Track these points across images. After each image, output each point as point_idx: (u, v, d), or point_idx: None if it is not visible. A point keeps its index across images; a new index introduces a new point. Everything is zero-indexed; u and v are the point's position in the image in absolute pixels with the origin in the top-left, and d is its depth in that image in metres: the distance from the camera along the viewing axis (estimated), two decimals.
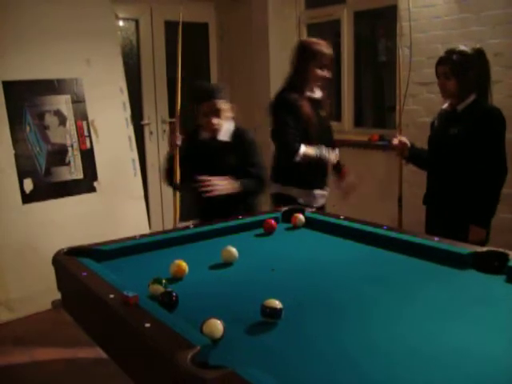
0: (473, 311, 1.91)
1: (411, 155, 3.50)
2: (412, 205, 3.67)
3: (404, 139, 3.48)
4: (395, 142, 3.51)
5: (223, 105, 3.15)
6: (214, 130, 3.17)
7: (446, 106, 3.31)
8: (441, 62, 3.19)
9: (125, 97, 5.11)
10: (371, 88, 5.76)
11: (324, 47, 3.50)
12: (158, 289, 2.01)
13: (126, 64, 5.31)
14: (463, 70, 3.11)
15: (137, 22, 5.88)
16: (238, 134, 3.28)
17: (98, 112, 4.86)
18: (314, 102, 3.53)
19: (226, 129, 3.26)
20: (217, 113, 3.14)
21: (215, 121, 3.12)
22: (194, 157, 3.32)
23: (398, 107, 4.54)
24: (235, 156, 3.22)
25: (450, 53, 3.16)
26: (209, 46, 6.38)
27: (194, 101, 3.18)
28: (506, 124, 3.11)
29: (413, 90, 4.23)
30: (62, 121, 4.72)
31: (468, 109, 3.14)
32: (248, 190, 3.19)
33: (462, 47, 3.18)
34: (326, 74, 3.52)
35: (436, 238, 2.56)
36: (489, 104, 3.16)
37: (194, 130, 3.37)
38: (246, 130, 3.33)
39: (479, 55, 3.15)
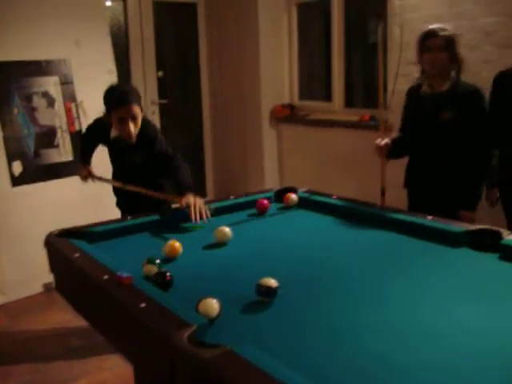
0: (470, 289, 1.92)
1: (392, 153, 3.41)
2: (394, 188, 3.65)
3: (386, 141, 3.38)
4: (381, 143, 3.38)
5: (138, 109, 3.00)
6: (130, 136, 3.02)
7: (424, 87, 3.26)
8: (431, 35, 3.13)
9: (114, 78, 5.05)
10: (361, 68, 5.74)
11: None
12: (152, 269, 2.00)
13: (114, 45, 5.25)
14: (453, 46, 3.10)
15: (125, 2, 5.80)
16: (142, 132, 3.09)
17: (87, 93, 4.81)
18: None
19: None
20: (133, 118, 2.97)
21: (132, 127, 2.97)
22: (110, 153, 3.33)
23: (389, 88, 4.55)
24: (142, 154, 3.11)
25: (438, 27, 3.15)
26: (197, 27, 6.32)
27: (108, 105, 3.01)
28: None
29: (404, 69, 4.21)
30: (51, 103, 4.67)
31: (453, 90, 3.12)
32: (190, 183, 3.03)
33: (442, 25, 3.18)
34: None
35: (430, 217, 2.56)
36: (469, 83, 3.14)
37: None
38: (148, 127, 3.15)
39: (458, 35, 3.15)
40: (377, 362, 1.45)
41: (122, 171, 3.26)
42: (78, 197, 4.61)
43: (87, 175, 3.54)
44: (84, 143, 3.60)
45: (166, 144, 3.14)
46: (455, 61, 3.11)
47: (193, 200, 2.75)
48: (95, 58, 4.92)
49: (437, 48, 3.10)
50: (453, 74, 3.13)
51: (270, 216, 2.89)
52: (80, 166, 3.60)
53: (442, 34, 3.10)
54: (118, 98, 2.95)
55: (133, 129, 2.97)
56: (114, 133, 3.12)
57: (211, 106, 6.51)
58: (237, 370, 1.33)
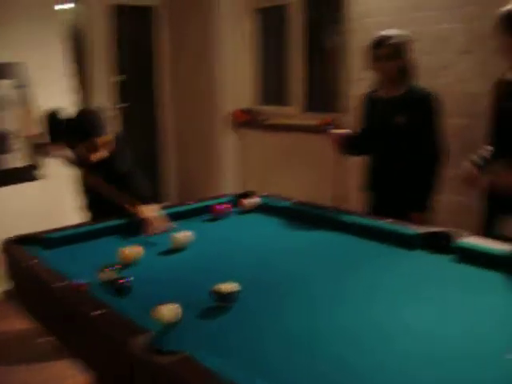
0: (423, 290, 1.96)
1: (348, 146, 3.42)
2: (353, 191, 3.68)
3: (338, 131, 3.40)
4: (337, 131, 3.41)
5: (102, 140, 2.95)
6: (89, 161, 2.98)
7: (380, 92, 3.28)
8: (380, 44, 3.14)
9: (71, 82, 4.99)
10: (320, 73, 5.78)
11: None
12: (109, 275, 1.98)
13: (73, 48, 5.18)
14: (403, 53, 3.13)
15: (81, 4, 5.73)
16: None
17: (44, 97, 4.73)
18: None
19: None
20: (96, 148, 2.94)
21: (94, 157, 2.95)
22: None
23: (347, 92, 4.59)
24: (101, 173, 3.05)
25: (386, 36, 3.14)
26: (158, 30, 6.29)
27: (72, 138, 2.96)
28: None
29: (362, 74, 4.25)
30: (6, 107, 4.58)
31: (407, 94, 3.16)
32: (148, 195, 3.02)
33: (393, 31, 3.19)
34: None
35: (387, 220, 2.60)
36: (423, 88, 3.19)
37: None
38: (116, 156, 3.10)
39: (410, 41, 3.18)
40: (333, 364, 1.46)
41: (89, 192, 3.21)
42: (34, 203, 4.54)
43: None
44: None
45: (126, 159, 3.10)
46: (406, 67, 3.14)
47: (151, 215, 2.73)
48: (52, 61, 4.85)
49: (385, 57, 3.12)
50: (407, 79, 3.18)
51: (228, 220, 2.90)
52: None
53: (390, 42, 3.11)
54: (82, 131, 2.91)
55: (97, 156, 2.95)
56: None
57: (172, 110, 6.47)
58: (194, 376, 1.33)
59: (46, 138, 3.15)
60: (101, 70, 5.91)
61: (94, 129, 2.91)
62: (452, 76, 3.97)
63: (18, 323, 3.94)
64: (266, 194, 3.19)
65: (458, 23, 3.93)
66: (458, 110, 3.80)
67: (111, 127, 3.06)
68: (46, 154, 3.48)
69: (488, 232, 2.61)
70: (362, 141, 3.39)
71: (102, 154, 2.97)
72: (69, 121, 3.02)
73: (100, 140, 2.92)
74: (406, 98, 3.14)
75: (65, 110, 3.15)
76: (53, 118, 3.06)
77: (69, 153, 3.16)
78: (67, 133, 3.00)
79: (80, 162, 3.07)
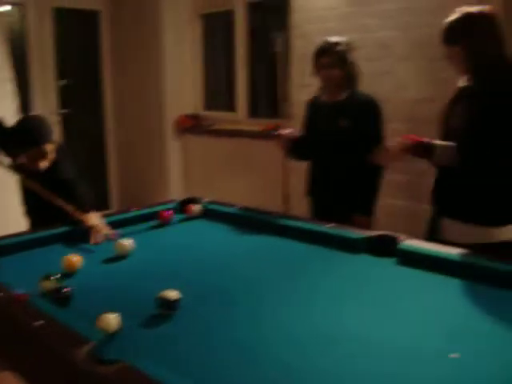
0: (367, 294, 2.00)
1: (293, 149, 3.45)
2: (297, 196, 3.70)
3: (286, 131, 3.43)
4: (284, 131, 3.43)
5: (48, 148, 2.89)
6: (37, 169, 2.90)
7: (323, 97, 3.33)
8: (324, 52, 3.17)
9: (11, 87, 4.89)
10: (265, 79, 5.82)
11: None
12: (50, 285, 1.95)
13: (12, 52, 5.07)
14: (347, 60, 3.17)
15: (22, 7, 5.61)
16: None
17: None
18: None
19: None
20: (42, 157, 2.88)
21: (40, 165, 2.88)
22: None
23: (292, 98, 4.64)
24: (43, 181, 2.96)
25: (330, 43, 3.18)
26: (101, 35, 6.22)
27: (16, 145, 2.87)
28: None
29: (306, 80, 4.29)
30: None
31: (349, 99, 3.20)
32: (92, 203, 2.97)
33: (336, 38, 3.22)
34: None
35: (329, 224, 2.63)
36: (365, 93, 3.25)
37: None
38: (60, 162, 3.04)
39: (353, 48, 3.24)
40: (279, 370, 1.47)
41: (30, 198, 3.13)
42: None
43: None
44: None
45: (68, 167, 3.04)
46: (350, 74, 3.20)
47: (96, 223, 2.70)
48: None
49: (329, 65, 3.16)
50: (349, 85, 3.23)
51: (173, 227, 2.88)
52: None
53: (334, 50, 3.15)
54: (27, 138, 2.82)
55: (42, 165, 2.87)
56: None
57: (115, 116, 6.41)
58: None
59: None
60: (41, 74, 5.80)
61: (43, 136, 2.84)
62: (392, 82, 4.06)
63: None
64: (210, 199, 3.18)
65: (398, 31, 4.03)
66: (399, 115, 3.89)
67: (53, 134, 3.00)
68: None
69: (431, 236, 2.67)
70: (306, 145, 3.42)
71: (49, 161, 2.90)
72: (13, 128, 2.93)
73: (48, 147, 2.86)
74: (349, 102, 3.19)
75: (4, 117, 3.06)
76: None
77: (5, 159, 3.08)
78: (13, 141, 2.90)
79: (20, 169, 3.00)
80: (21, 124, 2.94)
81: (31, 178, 2.91)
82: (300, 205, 3.53)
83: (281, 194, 3.67)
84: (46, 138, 2.85)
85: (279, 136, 3.43)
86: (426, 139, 2.55)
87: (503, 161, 2.47)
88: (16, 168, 3.02)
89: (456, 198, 2.60)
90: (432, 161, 2.58)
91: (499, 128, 2.42)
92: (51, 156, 2.90)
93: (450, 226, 2.61)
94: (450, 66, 2.63)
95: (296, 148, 3.44)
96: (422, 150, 2.55)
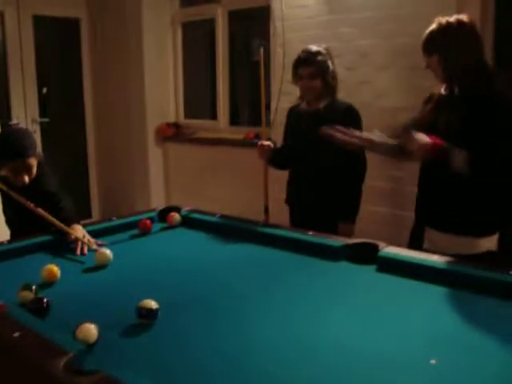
0: (348, 302, 2.00)
1: (274, 159, 3.46)
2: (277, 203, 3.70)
3: (267, 143, 3.43)
4: (264, 142, 3.43)
5: (33, 161, 2.83)
6: (23, 183, 2.84)
7: (302, 105, 3.34)
8: (304, 62, 3.18)
9: None
10: (246, 87, 5.84)
11: None
12: (28, 295, 1.93)
13: None
14: (327, 70, 3.19)
15: (1, 15, 5.57)
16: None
17: None
18: None
19: None
20: (27, 170, 2.82)
21: (26, 179, 2.81)
22: None
23: (272, 105, 4.65)
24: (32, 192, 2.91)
25: (310, 53, 3.19)
26: (81, 43, 6.19)
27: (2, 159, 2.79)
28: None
29: (287, 88, 4.31)
30: None
31: (330, 107, 3.21)
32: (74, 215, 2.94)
33: (316, 47, 3.23)
34: None
35: (310, 232, 2.64)
36: (344, 102, 3.26)
37: None
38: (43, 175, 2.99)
39: (332, 57, 3.26)
40: (264, 381, 1.47)
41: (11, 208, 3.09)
42: None
43: None
44: None
45: (51, 179, 3.02)
46: (330, 83, 3.21)
47: (81, 235, 2.67)
48: None
49: (308, 76, 3.17)
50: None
51: (153, 236, 2.87)
52: None
53: (314, 60, 3.16)
54: (13, 150, 2.75)
55: (27, 179, 2.83)
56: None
57: (95, 125, 6.38)
58: None
59: None
60: (21, 82, 5.76)
61: (27, 149, 2.76)
62: (371, 91, 4.08)
63: None
64: (190, 208, 3.18)
65: (377, 39, 4.06)
66: (377, 123, 3.89)
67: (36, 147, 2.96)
68: None
69: (415, 245, 2.67)
70: (285, 154, 3.43)
71: (33, 174, 2.86)
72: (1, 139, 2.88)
73: (32, 161, 2.81)
74: (328, 110, 3.20)
75: None
76: None
77: None
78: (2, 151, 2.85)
79: (2, 181, 2.95)
80: (5, 135, 2.90)
81: (14, 189, 2.87)
82: (281, 213, 3.54)
83: (262, 202, 3.67)
84: (31, 152, 2.79)
85: (259, 146, 3.44)
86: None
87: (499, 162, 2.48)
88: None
89: (441, 208, 2.61)
90: (450, 165, 2.52)
91: (488, 134, 2.43)
92: (35, 169, 2.86)
93: (434, 236, 2.63)
94: (431, 75, 2.66)
95: (276, 158, 3.45)
96: (441, 153, 2.49)
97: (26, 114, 5.79)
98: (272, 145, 3.44)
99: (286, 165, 3.49)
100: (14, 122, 5.66)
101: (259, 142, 3.46)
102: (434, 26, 2.56)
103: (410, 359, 1.56)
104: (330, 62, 3.21)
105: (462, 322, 1.80)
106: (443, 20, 2.54)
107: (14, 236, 3.02)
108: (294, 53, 3.31)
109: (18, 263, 2.47)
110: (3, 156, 2.77)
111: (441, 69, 2.56)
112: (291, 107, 3.46)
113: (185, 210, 3.13)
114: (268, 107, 4.79)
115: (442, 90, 2.66)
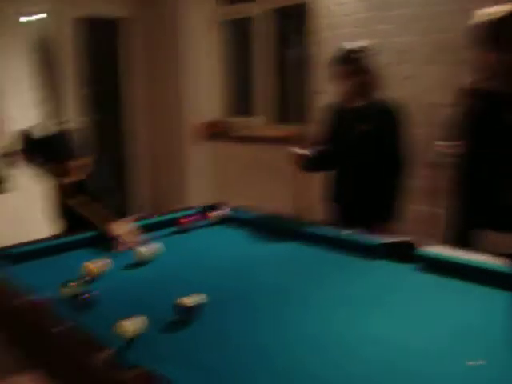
0: (389, 300, 1.98)
1: (311, 164, 3.42)
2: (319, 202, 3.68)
3: (302, 151, 3.38)
4: (299, 151, 3.39)
5: (76, 163, 2.91)
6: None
7: (341, 103, 3.30)
8: (343, 60, 3.15)
9: (39, 94, 4.95)
10: (287, 85, 5.82)
11: None
12: (73, 290, 1.97)
13: (40, 61, 5.13)
14: (366, 67, 3.15)
15: (48, 17, 5.67)
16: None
17: (11, 109, 4.69)
18: None
19: None
20: (66, 173, 2.91)
21: (67, 180, 2.91)
22: None
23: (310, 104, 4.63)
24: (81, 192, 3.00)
25: (349, 51, 3.16)
26: (126, 43, 6.26)
27: (44, 159, 2.91)
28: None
29: (326, 86, 4.29)
30: None
31: (370, 105, 3.16)
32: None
33: (353, 44, 3.20)
34: None
35: (351, 231, 2.62)
36: (385, 99, 3.20)
37: None
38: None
39: (373, 53, 3.21)
40: (306, 379, 1.46)
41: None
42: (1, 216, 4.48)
43: None
44: None
45: (100, 183, 3.07)
46: (369, 81, 3.17)
47: (122, 232, 2.69)
48: (19, 73, 4.81)
49: (346, 74, 3.15)
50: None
51: (195, 233, 2.89)
52: None
53: (353, 58, 3.13)
54: (47, 154, 2.88)
55: (67, 180, 2.89)
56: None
57: (142, 123, 6.44)
58: None
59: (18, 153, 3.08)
60: (70, 82, 5.86)
61: (63, 153, 2.85)
62: (416, 86, 4.02)
63: None
64: (234, 205, 3.19)
65: (415, 36, 4.01)
66: (424, 119, 3.85)
67: (88, 148, 3.01)
68: (15, 164, 3.38)
69: (462, 245, 2.61)
70: (322, 160, 3.39)
71: (76, 176, 2.92)
72: (41, 141, 2.96)
73: (72, 164, 2.87)
74: (368, 108, 3.16)
75: (38, 127, 3.08)
76: (27, 139, 2.99)
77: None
78: (40, 153, 2.93)
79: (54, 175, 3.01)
80: (49, 138, 2.96)
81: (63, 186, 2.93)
82: (320, 211, 3.52)
83: (301, 200, 3.65)
84: (69, 156, 2.87)
85: (293, 155, 3.39)
86: None
87: None
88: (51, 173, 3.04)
89: (500, 208, 2.55)
90: None
91: None
92: (79, 172, 2.91)
93: (493, 238, 2.56)
94: (473, 70, 2.59)
95: (311, 164, 3.41)
96: None
97: (75, 112, 5.87)
98: (308, 153, 3.37)
99: (322, 170, 3.46)
100: (64, 120, 5.76)
101: (294, 151, 3.40)
102: (483, 20, 2.46)
103: (449, 359, 1.54)
104: (369, 60, 3.17)
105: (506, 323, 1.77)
106: (490, 13, 2.44)
107: (67, 231, 3.07)
108: (334, 50, 3.29)
109: (66, 258, 2.53)
110: (45, 158, 2.84)
111: (492, 64, 2.47)
112: (329, 105, 3.43)
113: (228, 206, 3.14)
114: (310, 105, 4.78)
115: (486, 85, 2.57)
